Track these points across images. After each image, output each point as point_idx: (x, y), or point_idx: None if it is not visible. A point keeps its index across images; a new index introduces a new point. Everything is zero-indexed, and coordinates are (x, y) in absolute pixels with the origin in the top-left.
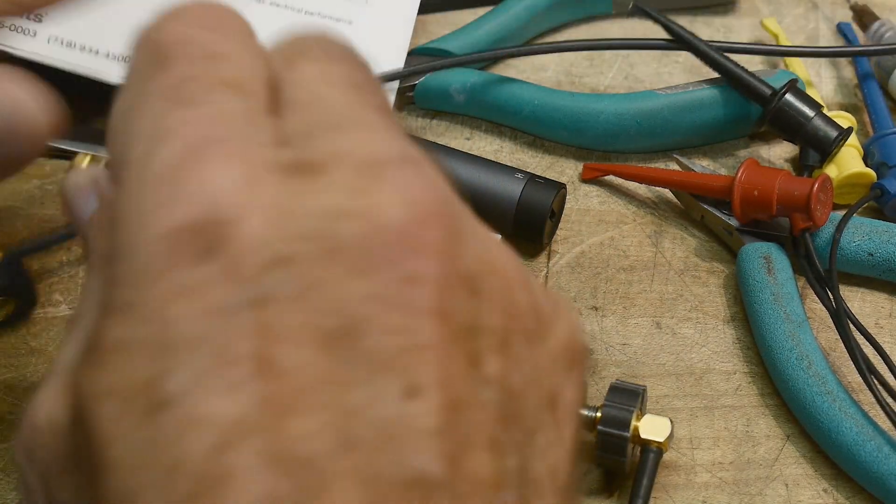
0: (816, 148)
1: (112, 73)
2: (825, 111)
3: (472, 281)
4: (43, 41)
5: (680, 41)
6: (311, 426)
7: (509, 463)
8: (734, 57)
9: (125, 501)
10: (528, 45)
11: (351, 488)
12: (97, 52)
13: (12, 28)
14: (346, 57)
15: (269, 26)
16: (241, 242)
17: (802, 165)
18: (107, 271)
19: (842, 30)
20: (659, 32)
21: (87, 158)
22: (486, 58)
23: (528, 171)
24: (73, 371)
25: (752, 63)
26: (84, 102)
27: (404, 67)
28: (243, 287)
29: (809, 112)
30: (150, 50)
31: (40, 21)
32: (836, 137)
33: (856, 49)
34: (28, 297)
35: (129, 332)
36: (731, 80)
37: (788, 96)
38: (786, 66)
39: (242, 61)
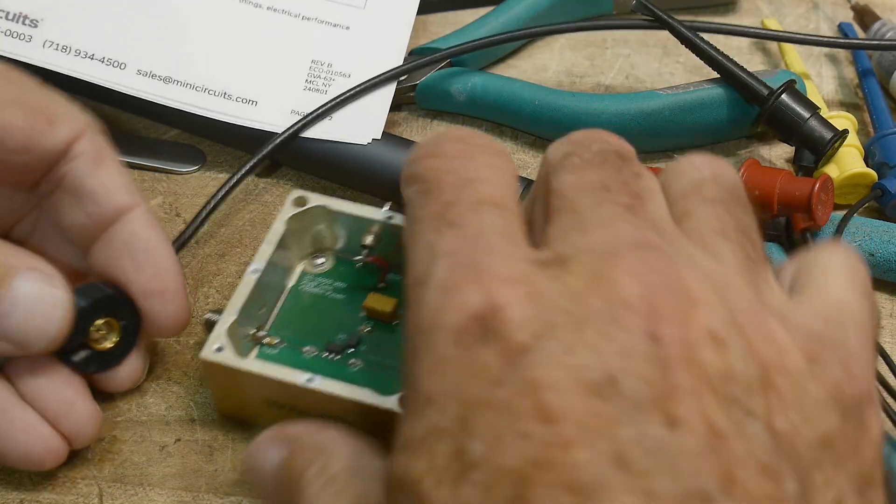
0: (811, 149)
1: (106, 77)
2: (822, 112)
3: (716, 337)
4: (39, 46)
5: (680, 37)
6: (589, 455)
7: (788, 487)
8: (730, 51)
9: None
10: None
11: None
12: (92, 57)
13: (8, 34)
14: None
15: (265, 31)
16: (511, 323)
17: (797, 166)
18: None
19: (843, 30)
20: (661, 31)
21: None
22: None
23: (528, 171)
24: (382, 470)
25: (754, 63)
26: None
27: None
28: (514, 358)
29: (805, 113)
30: (416, 183)
31: (36, 26)
32: (831, 139)
33: (846, 42)
34: (133, 318)
35: (434, 422)
36: (729, 79)
37: (784, 97)
38: (786, 65)
39: (495, 180)
